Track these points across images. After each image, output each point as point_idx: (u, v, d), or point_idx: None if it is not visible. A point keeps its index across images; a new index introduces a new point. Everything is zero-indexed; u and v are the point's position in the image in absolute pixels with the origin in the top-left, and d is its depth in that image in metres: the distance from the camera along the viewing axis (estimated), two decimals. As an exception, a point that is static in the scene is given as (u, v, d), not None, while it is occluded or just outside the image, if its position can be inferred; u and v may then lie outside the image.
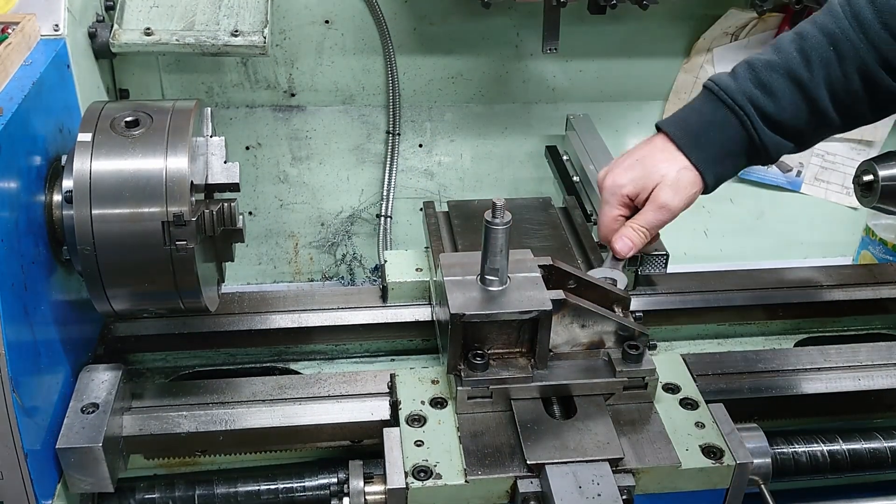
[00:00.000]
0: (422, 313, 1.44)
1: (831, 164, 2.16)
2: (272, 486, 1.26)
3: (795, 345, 1.54)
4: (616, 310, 1.31)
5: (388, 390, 1.29)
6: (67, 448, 1.11)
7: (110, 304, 1.15)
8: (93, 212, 1.08)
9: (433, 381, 1.28)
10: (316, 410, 1.27)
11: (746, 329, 1.55)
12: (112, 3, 1.59)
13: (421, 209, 2.14)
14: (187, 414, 1.24)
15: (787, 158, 2.15)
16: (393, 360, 1.47)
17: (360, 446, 1.29)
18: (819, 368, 1.36)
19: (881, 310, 1.56)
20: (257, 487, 1.26)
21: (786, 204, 2.20)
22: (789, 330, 1.55)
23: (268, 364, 1.45)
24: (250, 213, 2.10)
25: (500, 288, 1.21)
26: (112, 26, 1.55)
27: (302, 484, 1.26)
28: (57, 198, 1.17)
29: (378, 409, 1.26)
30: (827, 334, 1.56)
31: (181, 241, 1.09)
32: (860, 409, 1.35)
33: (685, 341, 1.52)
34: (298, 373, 1.42)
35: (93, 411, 1.16)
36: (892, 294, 1.55)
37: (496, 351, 1.23)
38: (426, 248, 1.53)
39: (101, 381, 1.21)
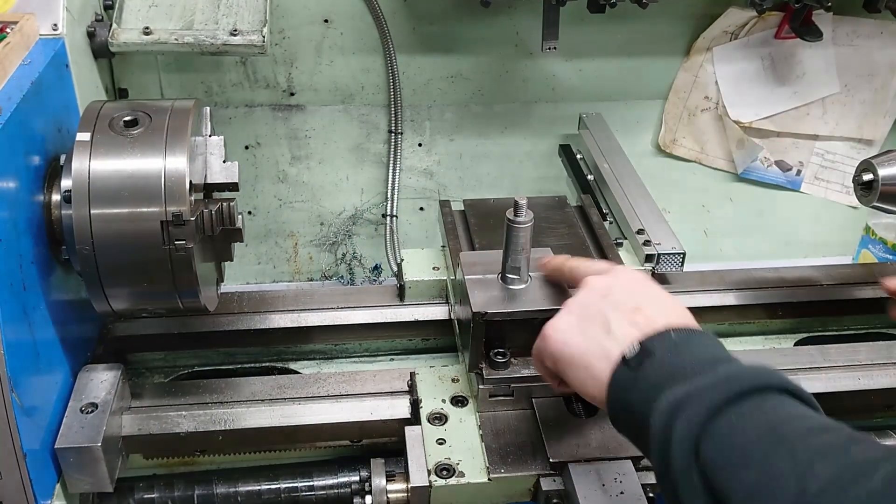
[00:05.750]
0: (440, 312, 1.45)
1: (831, 163, 2.16)
2: (273, 486, 1.26)
3: (795, 344, 1.53)
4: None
5: (408, 388, 1.29)
6: (66, 448, 1.11)
7: (109, 303, 1.15)
8: (91, 211, 1.08)
9: (453, 380, 1.29)
10: (333, 409, 1.27)
11: (746, 329, 1.55)
12: (111, 2, 1.58)
13: (421, 209, 2.16)
14: (186, 414, 1.24)
15: (787, 157, 2.15)
16: (406, 358, 1.47)
17: (364, 445, 1.29)
18: (819, 368, 1.36)
19: (881, 309, 1.55)
20: (258, 487, 1.26)
21: (786, 203, 2.19)
22: (789, 329, 1.55)
23: (267, 364, 1.45)
24: (249, 212, 2.10)
25: (522, 286, 1.22)
26: (111, 26, 1.55)
27: (309, 483, 1.26)
28: (56, 197, 1.17)
29: (398, 408, 1.26)
30: (827, 334, 1.56)
31: (180, 241, 1.09)
32: (860, 408, 1.35)
33: (685, 341, 1.51)
34: (297, 372, 1.43)
35: (92, 411, 1.16)
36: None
37: (517, 349, 1.23)
38: (443, 246, 1.54)
39: (101, 381, 1.21)
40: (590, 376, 0.96)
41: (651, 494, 1.11)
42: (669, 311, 0.98)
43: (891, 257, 1.98)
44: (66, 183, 1.12)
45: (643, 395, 0.89)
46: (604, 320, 0.98)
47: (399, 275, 1.49)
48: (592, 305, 1.01)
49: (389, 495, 1.16)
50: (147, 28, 1.56)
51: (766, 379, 0.84)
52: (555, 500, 1.12)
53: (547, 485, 1.13)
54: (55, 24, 1.34)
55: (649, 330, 0.94)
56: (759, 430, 0.79)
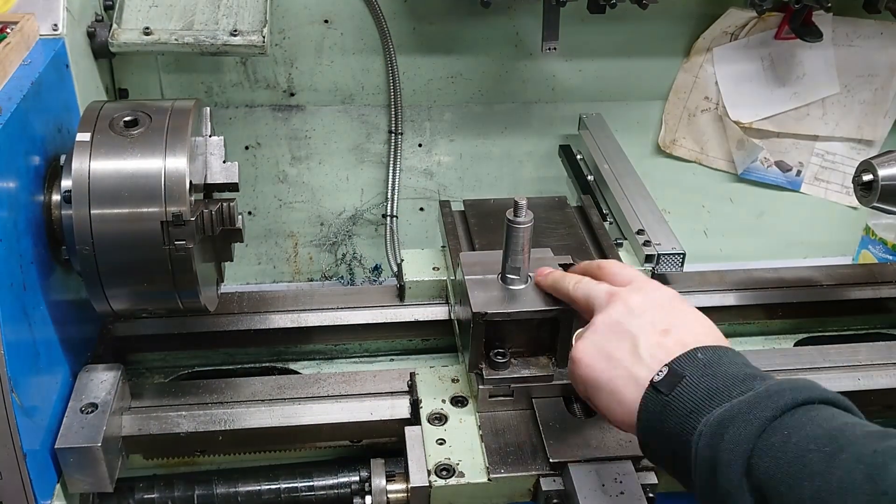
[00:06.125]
0: (440, 312, 1.45)
1: (831, 163, 2.16)
2: (273, 486, 1.26)
3: (795, 344, 1.54)
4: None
5: (408, 389, 1.29)
6: (66, 448, 1.11)
7: (109, 303, 1.15)
8: (92, 212, 1.08)
9: (453, 380, 1.29)
10: (333, 409, 1.27)
11: (746, 329, 1.55)
12: (111, 2, 1.59)
13: (421, 209, 2.16)
14: (186, 414, 1.24)
15: (786, 158, 2.15)
16: (406, 359, 1.47)
17: (364, 445, 1.29)
18: (819, 368, 1.35)
19: (881, 310, 1.56)
20: (258, 487, 1.26)
21: (786, 203, 2.20)
22: (789, 330, 1.55)
23: (267, 364, 1.45)
24: (249, 212, 2.10)
25: (522, 286, 1.22)
26: (111, 26, 1.55)
27: (309, 484, 1.26)
28: (56, 198, 1.17)
29: (398, 408, 1.26)
30: (827, 334, 1.56)
31: (180, 241, 1.09)
32: (860, 408, 1.35)
33: (685, 341, 1.51)
34: (297, 372, 1.42)
35: (92, 411, 1.16)
36: (892, 294, 1.55)
37: (517, 349, 1.23)
38: (443, 246, 1.54)
39: (101, 381, 1.21)
40: (617, 402, 0.94)
41: (651, 494, 1.11)
42: (699, 331, 0.96)
43: (891, 257, 1.98)
44: (66, 183, 1.12)
45: (679, 419, 0.87)
46: (632, 342, 0.95)
47: (399, 275, 1.49)
48: (620, 325, 0.97)
49: (389, 495, 1.17)
50: (147, 28, 1.56)
51: (808, 392, 0.83)
52: (555, 501, 1.13)
53: (547, 485, 1.13)
54: (55, 25, 1.34)
55: (677, 352, 0.91)
56: (817, 440, 0.78)
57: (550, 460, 1.13)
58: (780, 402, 0.82)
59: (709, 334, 0.96)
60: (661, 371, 0.91)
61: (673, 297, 1.02)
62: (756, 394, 0.84)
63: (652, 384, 0.90)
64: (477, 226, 1.56)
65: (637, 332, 0.96)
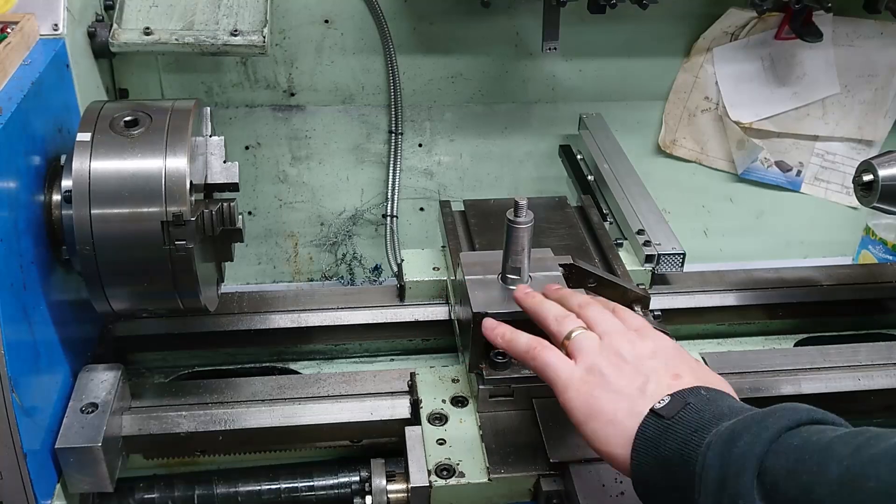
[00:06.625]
0: (440, 312, 1.45)
1: (831, 163, 2.16)
2: (273, 486, 1.26)
3: (795, 344, 1.53)
4: (636, 308, 1.31)
5: (408, 389, 1.29)
6: (66, 448, 1.11)
7: (109, 303, 1.15)
8: (92, 212, 1.08)
9: (454, 380, 1.29)
10: (333, 409, 1.26)
11: (746, 329, 1.55)
12: (111, 2, 1.59)
13: (421, 209, 2.16)
14: (187, 414, 1.24)
15: (787, 158, 2.16)
16: (406, 359, 1.47)
17: (364, 446, 1.29)
18: (819, 368, 1.35)
19: (881, 310, 1.56)
20: (258, 487, 1.26)
21: (786, 203, 2.20)
22: (789, 330, 1.55)
23: (267, 364, 1.45)
24: (250, 212, 2.10)
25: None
26: (111, 26, 1.55)
27: (309, 484, 1.26)
28: (56, 197, 1.17)
29: (399, 408, 1.26)
30: (827, 334, 1.56)
31: (180, 241, 1.09)
32: (860, 409, 1.35)
33: (684, 341, 1.52)
34: (297, 372, 1.42)
35: (92, 411, 1.16)
36: (892, 294, 1.55)
37: None
38: (443, 246, 1.54)
39: (101, 381, 1.21)
40: (614, 431, 0.93)
41: None
42: (709, 377, 0.97)
43: (891, 258, 1.98)
44: (66, 183, 1.12)
45: (681, 440, 0.86)
46: (643, 381, 0.95)
47: (399, 275, 1.49)
48: (635, 365, 0.97)
49: (389, 496, 1.17)
50: (147, 28, 1.56)
51: (823, 414, 0.85)
52: (555, 501, 1.13)
53: (547, 485, 1.13)
54: (55, 25, 1.34)
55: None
56: (840, 437, 0.78)
57: (551, 460, 1.13)
58: (796, 416, 0.83)
59: (716, 381, 0.97)
60: (662, 399, 0.91)
61: (682, 349, 1.03)
62: (770, 408, 0.85)
63: (653, 410, 0.90)
64: (477, 226, 1.56)
65: (649, 373, 0.96)
